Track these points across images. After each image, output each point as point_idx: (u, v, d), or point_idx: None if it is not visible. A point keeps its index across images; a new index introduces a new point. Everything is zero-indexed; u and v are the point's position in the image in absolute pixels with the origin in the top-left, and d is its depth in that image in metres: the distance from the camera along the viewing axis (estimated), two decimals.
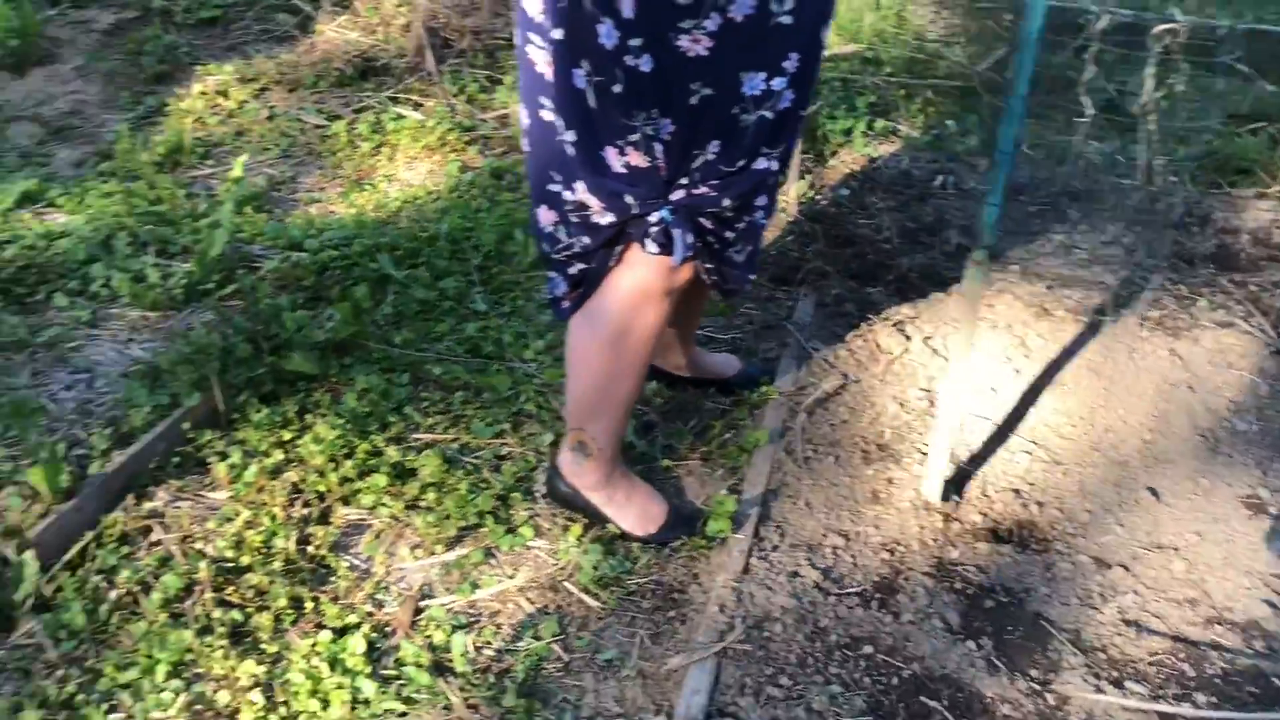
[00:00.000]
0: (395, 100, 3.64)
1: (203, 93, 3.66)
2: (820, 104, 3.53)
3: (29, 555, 1.80)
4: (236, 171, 2.95)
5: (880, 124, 3.60)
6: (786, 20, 1.57)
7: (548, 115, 1.74)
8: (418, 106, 3.62)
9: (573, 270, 1.88)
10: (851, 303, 2.73)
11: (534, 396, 2.35)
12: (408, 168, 3.35)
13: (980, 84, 3.77)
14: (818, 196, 3.21)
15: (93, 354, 2.32)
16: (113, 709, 1.65)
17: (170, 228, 2.77)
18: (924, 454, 2.24)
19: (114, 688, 1.68)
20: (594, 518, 2.04)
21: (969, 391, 2.38)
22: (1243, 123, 3.46)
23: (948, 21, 4.19)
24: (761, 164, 1.72)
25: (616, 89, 1.59)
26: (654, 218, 1.71)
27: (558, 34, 1.59)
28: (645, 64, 1.56)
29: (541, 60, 1.71)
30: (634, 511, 2.03)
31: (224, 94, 3.66)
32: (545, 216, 1.85)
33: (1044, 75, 3.84)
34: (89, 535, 1.90)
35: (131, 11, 4.27)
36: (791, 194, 3.13)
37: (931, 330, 2.60)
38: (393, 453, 2.16)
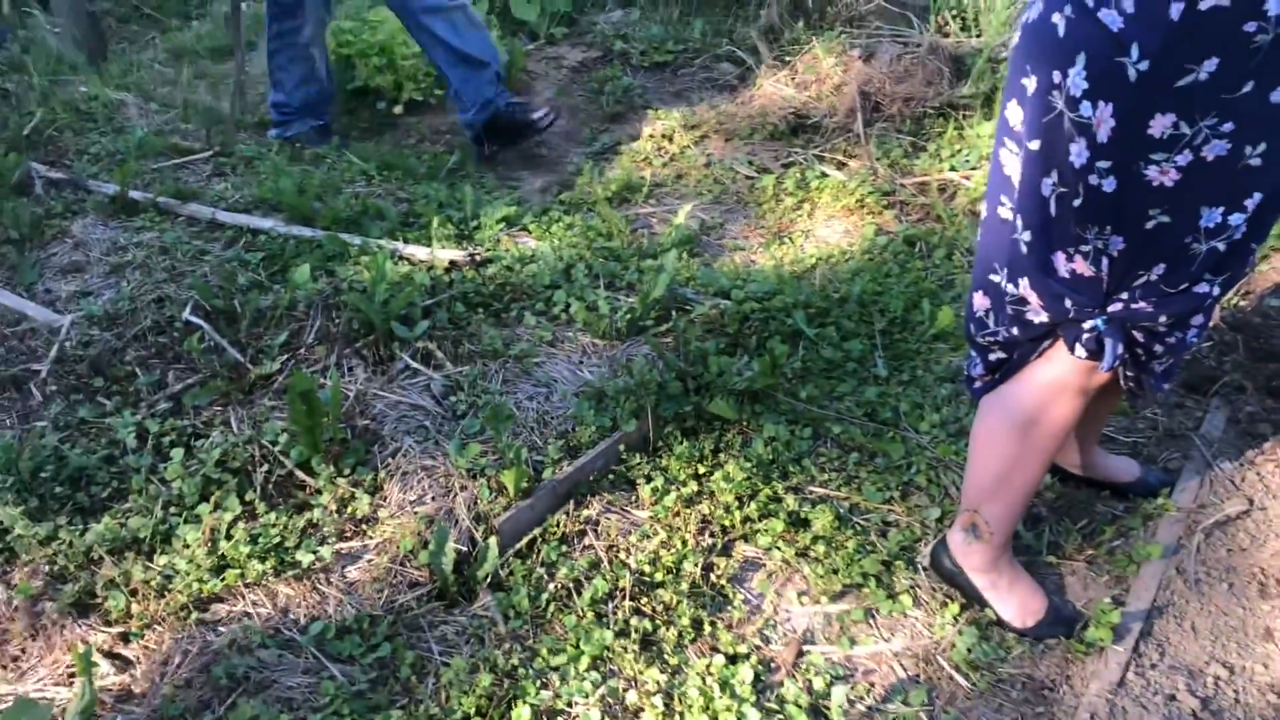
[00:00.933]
0: (821, 158, 3.88)
1: (650, 135, 4.08)
2: None
3: (493, 540, 2.17)
4: (679, 219, 3.29)
5: None
6: (1256, 162, 1.61)
7: (1005, 213, 1.88)
8: (841, 166, 3.84)
9: (992, 356, 2.01)
10: (1268, 423, 2.64)
11: (925, 469, 2.48)
12: (825, 225, 3.57)
13: None
14: (1243, 303, 3.10)
15: (552, 370, 2.72)
16: (544, 686, 1.97)
17: (619, 263, 3.14)
18: None
19: (546, 668, 2.00)
20: (974, 599, 2.16)
21: None
22: None
23: None
24: (1203, 288, 1.76)
25: (1076, 202, 1.70)
26: (1088, 324, 1.81)
27: (1034, 145, 1.73)
28: (1109, 185, 1.66)
29: (1011, 164, 1.85)
30: (1015, 601, 2.12)
31: (669, 138, 4.06)
32: (979, 302, 1.99)
33: None
34: (536, 531, 2.25)
35: (595, 51, 4.80)
36: None
37: None
38: (790, 501, 2.37)
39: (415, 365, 2.69)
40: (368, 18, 4.32)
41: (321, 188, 3.54)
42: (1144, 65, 1.54)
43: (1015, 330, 1.92)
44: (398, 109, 4.33)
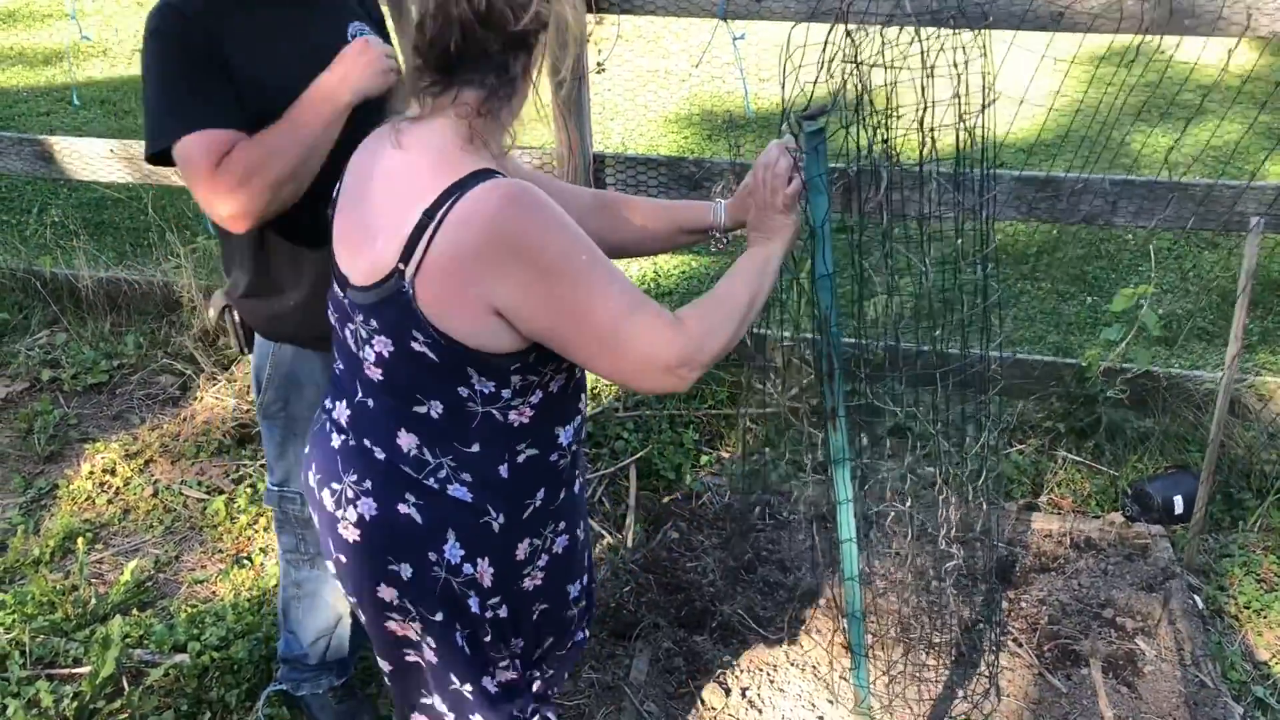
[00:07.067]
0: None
1: (91, 472, 3.99)
2: (651, 445, 4.02)
3: None
4: (126, 576, 3.26)
5: (705, 458, 4.08)
6: (582, 536, 2.09)
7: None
8: None
9: None
10: (680, 656, 3.12)
11: None
12: None
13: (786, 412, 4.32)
14: (651, 541, 3.63)
15: None
16: None
17: (63, 637, 3.05)
18: None
19: None
20: None
21: None
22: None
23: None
24: (580, 635, 2.16)
25: (487, 638, 1.98)
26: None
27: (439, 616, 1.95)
28: (504, 611, 1.96)
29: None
30: None
31: (111, 471, 3.99)
32: None
33: None
34: None
35: (21, 383, 4.61)
36: (628, 541, 3.56)
37: (749, 680, 3.00)
38: None
39: None
40: None
41: None
42: (501, 518, 1.87)
43: None
44: None
